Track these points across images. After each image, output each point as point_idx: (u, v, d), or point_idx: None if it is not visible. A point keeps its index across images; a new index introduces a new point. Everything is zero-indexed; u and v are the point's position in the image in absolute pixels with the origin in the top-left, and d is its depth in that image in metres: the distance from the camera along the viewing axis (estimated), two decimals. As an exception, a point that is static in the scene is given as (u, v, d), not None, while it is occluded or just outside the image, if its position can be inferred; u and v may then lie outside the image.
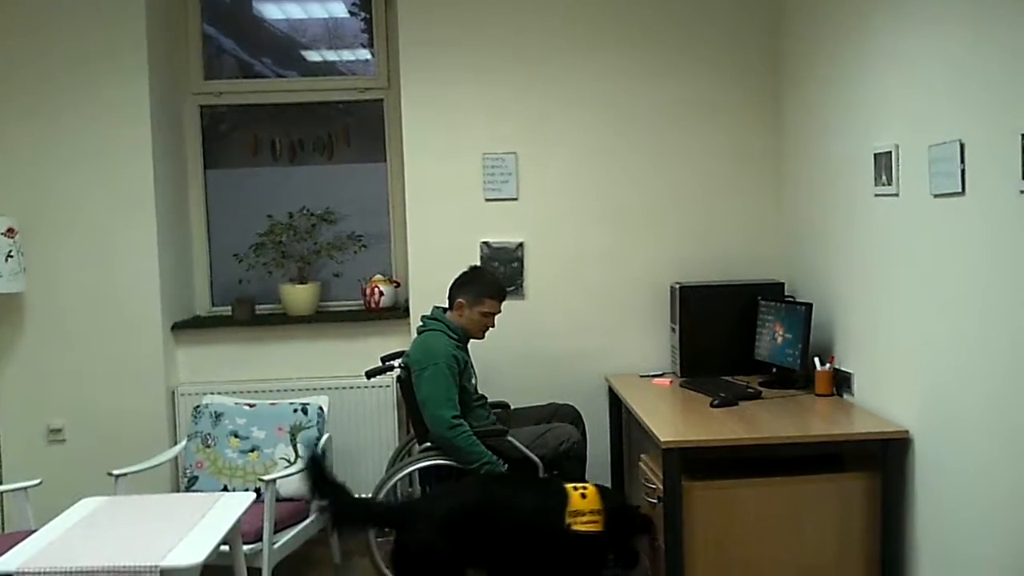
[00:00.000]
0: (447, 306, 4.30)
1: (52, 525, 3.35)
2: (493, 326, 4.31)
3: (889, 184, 3.51)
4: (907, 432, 3.43)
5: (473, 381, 4.26)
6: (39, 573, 2.93)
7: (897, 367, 3.53)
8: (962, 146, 2.99)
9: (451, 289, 4.29)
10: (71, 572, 2.93)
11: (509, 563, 3.38)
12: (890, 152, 3.49)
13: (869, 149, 3.67)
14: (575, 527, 3.36)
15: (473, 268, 4.42)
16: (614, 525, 3.49)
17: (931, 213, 3.23)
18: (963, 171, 3.00)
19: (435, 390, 4.00)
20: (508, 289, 4.66)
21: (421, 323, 4.30)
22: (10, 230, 4.48)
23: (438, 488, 3.95)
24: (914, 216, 3.36)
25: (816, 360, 4.08)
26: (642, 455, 4.10)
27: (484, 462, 3.93)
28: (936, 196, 3.18)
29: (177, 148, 5.11)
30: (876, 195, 3.64)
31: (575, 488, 3.49)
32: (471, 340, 4.30)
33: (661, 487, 3.56)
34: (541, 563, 3.36)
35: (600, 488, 3.59)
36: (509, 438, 4.07)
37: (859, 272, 3.86)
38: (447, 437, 3.94)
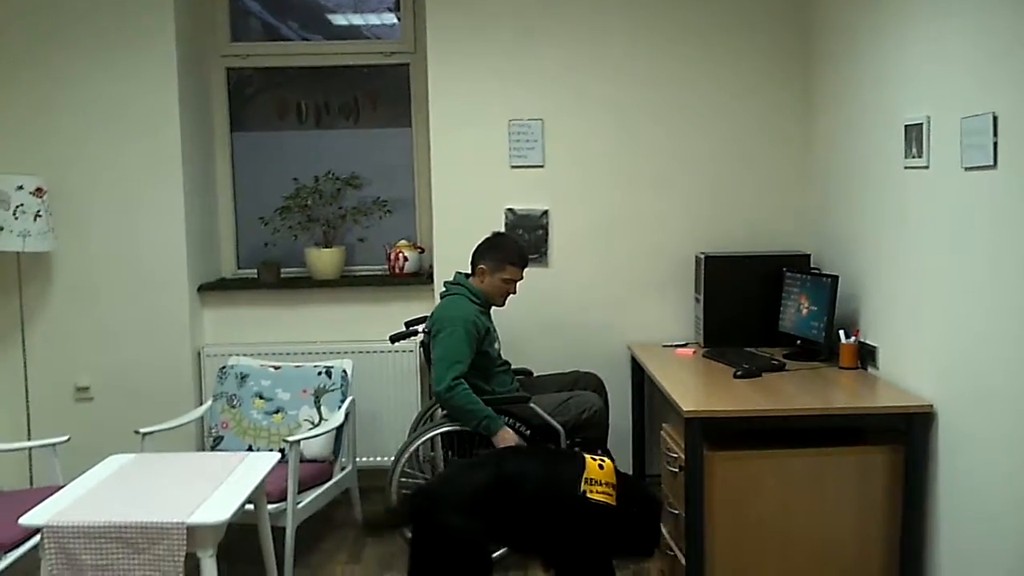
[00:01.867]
0: (470, 272, 4.30)
1: (80, 481, 3.40)
2: (515, 293, 4.31)
3: (919, 156, 3.48)
4: (931, 406, 3.42)
5: (496, 346, 4.27)
6: (68, 527, 2.98)
7: (923, 341, 3.52)
8: (995, 119, 2.95)
9: (473, 255, 4.29)
10: (100, 527, 2.98)
11: (527, 535, 3.35)
12: (921, 124, 3.45)
13: (900, 121, 3.63)
14: (590, 495, 3.33)
15: (496, 234, 4.41)
16: (627, 504, 3.43)
17: (962, 186, 3.20)
18: (996, 144, 2.96)
19: (446, 351, 4.02)
20: (532, 257, 4.66)
21: (444, 288, 4.32)
22: (39, 189, 4.51)
23: (449, 470, 3.92)
24: (944, 189, 3.32)
25: (841, 333, 4.06)
26: (664, 424, 4.10)
27: (484, 417, 3.95)
28: (967, 169, 3.15)
29: (204, 110, 5.12)
30: (906, 167, 3.60)
31: (593, 458, 3.45)
32: (493, 307, 4.31)
33: (683, 456, 3.57)
34: (556, 530, 3.32)
35: (619, 470, 3.49)
36: (531, 404, 4.08)
37: (887, 245, 3.83)
38: (445, 398, 3.96)
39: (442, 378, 3.97)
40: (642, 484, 3.73)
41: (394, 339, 4.52)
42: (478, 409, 3.96)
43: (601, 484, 3.33)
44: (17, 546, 3.38)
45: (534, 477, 3.29)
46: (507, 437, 3.97)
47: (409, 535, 3.29)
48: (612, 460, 3.44)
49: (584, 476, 3.31)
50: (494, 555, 3.53)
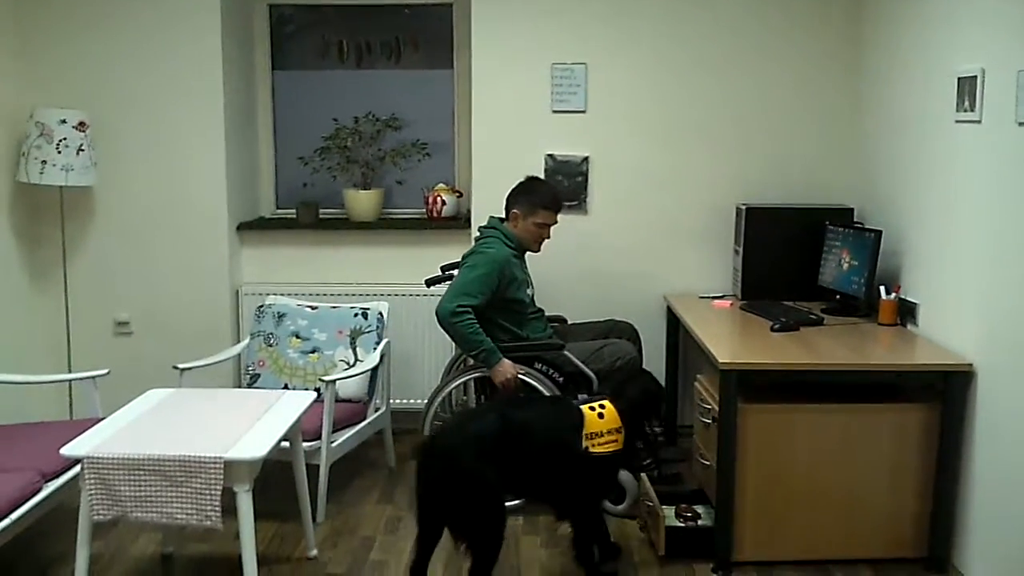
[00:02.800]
0: (504, 217, 4.28)
1: (120, 414, 3.45)
2: (548, 237, 4.27)
3: (972, 110, 3.40)
4: (971, 365, 3.38)
5: (530, 292, 4.26)
6: (109, 459, 3.03)
7: (965, 300, 3.46)
8: (1054, 73, 2.88)
9: (507, 199, 4.26)
10: (139, 459, 3.03)
11: (537, 485, 3.36)
12: (975, 76, 3.37)
13: (952, 73, 3.54)
14: (592, 450, 3.28)
15: (529, 178, 4.36)
16: (632, 436, 3.40)
17: (1016, 141, 3.12)
18: (1053, 99, 2.89)
19: (464, 281, 4.02)
20: (571, 204, 4.64)
21: (478, 232, 4.30)
22: (81, 123, 4.53)
23: (456, 419, 3.91)
24: (997, 144, 3.25)
25: (881, 289, 4.01)
26: (698, 375, 4.10)
27: (483, 349, 3.95)
28: (1022, 124, 3.07)
29: (246, 47, 5.10)
30: (957, 121, 3.52)
31: (592, 408, 3.34)
32: (528, 252, 4.29)
33: (716, 408, 3.57)
34: (559, 485, 3.33)
35: (617, 399, 3.38)
36: (565, 352, 4.08)
37: (934, 200, 3.76)
38: (450, 322, 3.95)
39: (450, 300, 3.96)
40: (644, 390, 3.55)
41: (430, 283, 4.53)
42: (481, 339, 3.96)
43: (602, 435, 3.28)
44: (58, 476, 3.46)
45: (541, 431, 3.26)
46: (505, 369, 3.97)
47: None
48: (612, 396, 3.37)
49: (584, 432, 3.27)
50: (509, 503, 3.49)
